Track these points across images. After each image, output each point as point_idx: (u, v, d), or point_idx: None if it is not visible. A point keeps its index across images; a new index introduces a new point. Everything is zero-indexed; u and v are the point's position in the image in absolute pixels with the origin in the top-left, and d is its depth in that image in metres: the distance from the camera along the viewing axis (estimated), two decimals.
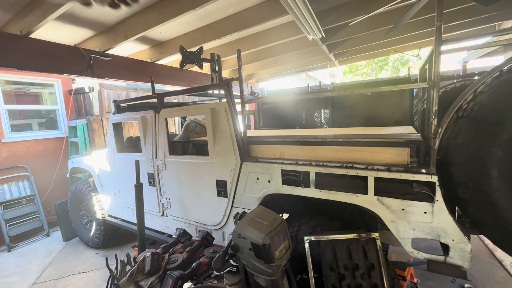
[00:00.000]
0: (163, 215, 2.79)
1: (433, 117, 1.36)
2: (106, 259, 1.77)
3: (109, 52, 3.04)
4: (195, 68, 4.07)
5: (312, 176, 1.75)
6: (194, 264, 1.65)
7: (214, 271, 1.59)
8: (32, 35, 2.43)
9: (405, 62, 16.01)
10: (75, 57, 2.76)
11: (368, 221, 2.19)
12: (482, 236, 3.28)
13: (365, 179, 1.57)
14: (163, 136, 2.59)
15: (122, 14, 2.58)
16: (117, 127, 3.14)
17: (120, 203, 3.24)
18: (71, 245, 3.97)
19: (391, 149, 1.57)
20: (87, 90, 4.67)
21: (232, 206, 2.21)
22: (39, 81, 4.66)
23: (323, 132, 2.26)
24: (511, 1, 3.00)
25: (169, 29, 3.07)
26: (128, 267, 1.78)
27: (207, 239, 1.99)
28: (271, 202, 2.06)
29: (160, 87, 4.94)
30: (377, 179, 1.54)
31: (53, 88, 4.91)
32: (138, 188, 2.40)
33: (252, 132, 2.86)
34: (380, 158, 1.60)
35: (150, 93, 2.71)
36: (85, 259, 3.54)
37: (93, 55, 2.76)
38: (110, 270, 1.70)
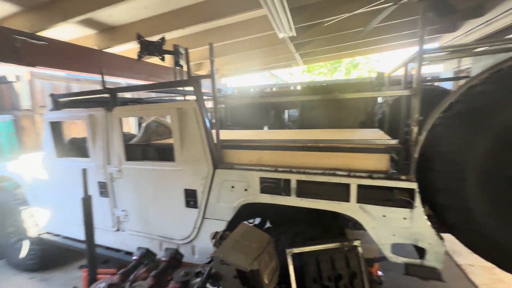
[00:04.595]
0: (118, 230, 2.41)
1: (414, 124, 1.38)
2: None
3: (42, 34, 2.46)
4: (154, 60, 3.64)
5: (293, 184, 1.65)
6: None
7: None
8: None
9: (356, 64, 17.40)
10: None
11: (341, 222, 2.21)
12: None
13: (347, 186, 1.54)
14: (118, 139, 2.21)
15: None
16: (56, 126, 2.59)
17: (62, 218, 2.71)
18: None
19: (372, 155, 1.56)
20: (11, 78, 3.80)
21: (203, 218, 1.99)
22: None
23: (298, 136, 2.19)
24: (457, 17, 3.36)
25: (122, 12, 2.63)
26: None
27: (176, 258, 1.75)
28: (245, 207, 1.91)
29: (111, 80, 4.30)
30: (359, 186, 1.51)
31: None
32: (86, 202, 2.00)
33: (222, 134, 2.65)
34: (361, 164, 1.58)
35: (97, 86, 2.29)
36: (17, 286, 2.90)
37: (18, 37, 2.19)
38: None
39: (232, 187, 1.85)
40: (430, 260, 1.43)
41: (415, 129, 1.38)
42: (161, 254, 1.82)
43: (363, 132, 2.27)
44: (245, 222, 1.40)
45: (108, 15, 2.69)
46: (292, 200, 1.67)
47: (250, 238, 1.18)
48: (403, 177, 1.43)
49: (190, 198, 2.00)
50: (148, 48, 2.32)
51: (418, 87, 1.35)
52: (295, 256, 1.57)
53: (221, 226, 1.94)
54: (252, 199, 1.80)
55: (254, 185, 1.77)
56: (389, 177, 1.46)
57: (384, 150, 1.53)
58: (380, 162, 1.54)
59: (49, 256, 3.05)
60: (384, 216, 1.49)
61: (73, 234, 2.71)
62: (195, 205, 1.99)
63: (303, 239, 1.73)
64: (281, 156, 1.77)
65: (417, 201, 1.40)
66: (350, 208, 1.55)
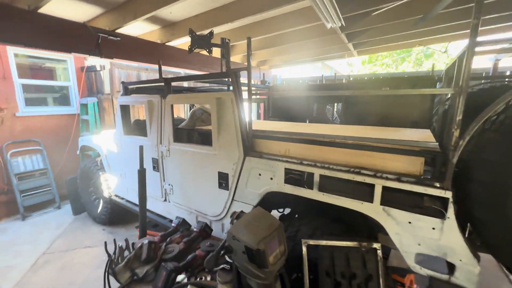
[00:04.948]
0: (165, 200, 2.82)
1: (456, 127, 1.23)
2: (105, 243, 1.80)
3: (118, 31, 2.96)
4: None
5: (316, 178, 1.67)
6: (189, 257, 1.65)
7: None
8: (40, 10, 2.37)
9: (429, 54, 15.07)
10: (83, 35, 2.70)
11: (371, 225, 2.11)
12: None
13: (371, 186, 1.48)
14: (168, 122, 2.55)
15: None
16: (125, 109, 3.12)
17: (126, 185, 3.29)
18: (80, 219, 4.13)
19: (404, 157, 1.45)
20: (98, 68, 4.65)
21: (232, 200, 2.18)
22: (53, 56, 4.67)
23: (333, 131, 2.15)
24: None
25: (180, 9, 2.93)
26: (126, 253, 1.80)
27: (205, 230, 1.99)
28: (274, 196, 2.00)
29: (171, 70, 4.85)
30: (384, 188, 1.44)
31: (66, 64, 4.93)
32: (141, 173, 2.40)
33: (259, 124, 2.77)
34: (391, 166, 1.49)
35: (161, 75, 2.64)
36: (92, 234, 3.68)
37: (101, 34, 2.69)
38: (109, 255, 1.73)
39: (259, 174, 1.96)
40: (460, 279, 1.29)
41: (456, 133, 1.23)
42: (194, 225, 2.09)
43: (407, 132, 2.08)
44: (260, 207, 1.50)
45: (170, 12, 3.03)
46: (314, 194, 1.70)
47: (261, 221, 1.28)
48: (437, 184, 1.30)
49: (223, 180, 2.20)
50: (198, 42, 2.56)
51: (465, 84, 1.19)
52: (311, 248, 1.61)
53: (247, 209, 2.10)
54: (276, 188, 1.88)
55: (279, 175, 1.85)
56: (420, 182, 1.35)
57: (418, 152, 1.41)
58: (413, 165, 1.43)
59: (116, 214, 3.75)
60: (409, 222, 1.39)
61: (133, 199, 3.27)
62: (226, 187, 2.19)
63: (322, 233, 1.75)
64: (307, 150, 1.79)
65: (450, 212, 1.27)
66: (373, 209, 1.49)
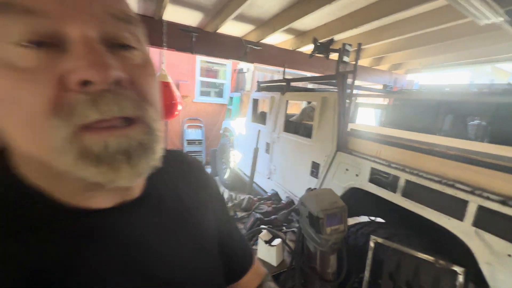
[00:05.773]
0: (269, 178, 3.43)
1: None
2: (223, 191, 2.61)
3: (261, 42, 3.83)
4: (331, 56, 4.22)
5: (401, 182, 1.65)
6: (272, 217, 2.12)
7: (284, 227, 1.98)
8: (218, 31, 3.55)
9: None
10: (237, 46, 3.74)
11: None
12: None
13: (465, 203, 1.33)
14: (282, 115, 3.11)
15: (276, 10, 3.17)
16: (255, 102, 4.00)
17: (246, 161, 4.22)
18: None
19: None
20: (245, 70, 6.01)
21: (320, 188, 2.43)
22: (219, 61, 6.49)
23: (440, 141, 1.92)
24: None
25: (311, 20, 3.37)
26: (235, 200, 2.52)
27: (290, 204, 2.39)
28: (365, 198, 2.00)
29: (298, 72, 5.47)
30: (481, 208, 1.27)
31: (226, 67, 6.68)
32: (255, 151, 3.11)
33: (361, 127, 2.80)
34: (499, 186, 1.27)
35: (290, 77, 3.26)
36: None
37: (249, 45, 3.62)
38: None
39: (347, 169, 2.11)
40: None
41: None
42: (283, 199, 2.54)
43: None
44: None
45: (302, 23, 3.55)
46: (396, 197, 1.68)
47: (327, 197, 1.52)
48: None
49: (314, 169, 2.49)
50: (319, 48, 2.91)
51: None
52: (379, 247, 1.64)
53: None
54: (359, 184, 1.97)
55: (365, 173, 1.93)
56: None
57: None
58: None
59: (236, 183, 4.84)
60: (510, 255, 1.17)
61: (249, 173, 4.16)
62: (316, 176, 2.47)
63: (399, 241, 1.69)
64: (399, 154, 1.77)
65: None
66: (461, 229, 1.34)
